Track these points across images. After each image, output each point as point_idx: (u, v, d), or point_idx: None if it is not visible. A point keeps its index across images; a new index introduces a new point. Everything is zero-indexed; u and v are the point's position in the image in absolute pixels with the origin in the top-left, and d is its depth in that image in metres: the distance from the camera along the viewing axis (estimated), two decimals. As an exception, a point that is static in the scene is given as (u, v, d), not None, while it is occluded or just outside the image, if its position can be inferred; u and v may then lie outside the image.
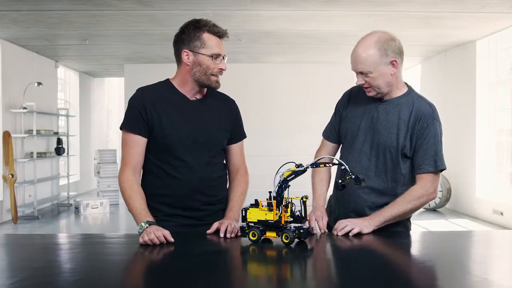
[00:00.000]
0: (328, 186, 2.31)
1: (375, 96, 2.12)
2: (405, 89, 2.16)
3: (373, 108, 2.15)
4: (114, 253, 1.87)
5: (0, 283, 1.40)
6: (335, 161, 1.95)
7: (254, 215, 1.88)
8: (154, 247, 1.82)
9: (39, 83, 7.96)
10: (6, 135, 7.41)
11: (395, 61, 2.05)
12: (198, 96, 2.17)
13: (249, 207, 1.90)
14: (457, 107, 8.33)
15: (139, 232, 1.91)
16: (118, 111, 12.97)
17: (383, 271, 1.61)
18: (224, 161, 2.28)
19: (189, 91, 2.14)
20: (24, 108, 7.71)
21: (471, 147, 7.86)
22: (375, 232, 2.05)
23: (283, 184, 1.83)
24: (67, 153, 9.51)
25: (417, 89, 10.25)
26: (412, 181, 2.14)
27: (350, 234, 2.00)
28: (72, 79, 11.13)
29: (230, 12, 6.06)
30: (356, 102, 2.22)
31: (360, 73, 2.07)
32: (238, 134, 2.28)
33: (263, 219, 1.86)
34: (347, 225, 2.02)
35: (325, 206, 2.28)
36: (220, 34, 2.09)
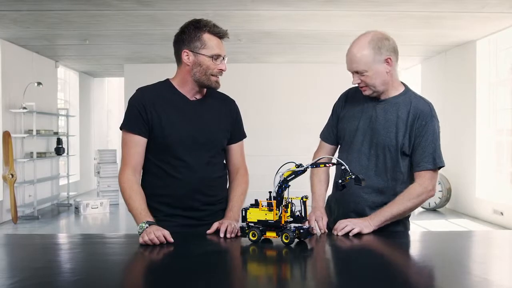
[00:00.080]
0: (327, 187, 2.31)
1: (371, 95, 2.13)
2: (402, 89, 2.17)
3: (371, 108, 2.16)
4: (114, 253, 1.87)
5: (0, 283, 1.40)
6: (335, 161, 1.95)
7: (254, 215, 1.88)
8: (154, 247, 1.82)
9: (39, 83, 7.96)
10: (6, 135, 7.41)
11: (390, 59, 2.07)
12: (198, 96, 2.17)
13: (249, 207, 1.90)
14: (457, 107, 8.33)
15: (139, 232, 1.91)
16: (118, 111, 12.97)
17: (383, 271, 1.61)
18: (224, 161, 2.28)
19: (189, 91, 2.14)
20: (24, 108, 7.71)
21: (471, 147, 7.86)
22: (375, 232, 2.05)
23: (283, 184, 1.83)
24: (67, 153, 9.51)
25: (417, 89, 10.24)
26: (411, 179, 2.15)
27: (350, 234, 2.01)
28: (72, 79, 11.13)
29: (230, 12, 6.06)
30: (354, 102, 2.23)
31: (355, 72, 2.09)
32: (238, 134, 2.28)
33: (263, 219, 1.86)
34: (347, 225, 2.02)
35: (324, 207, 2.28)
36: (220, 34, 2.09)
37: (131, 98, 2.15)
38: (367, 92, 2.12)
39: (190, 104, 2.14)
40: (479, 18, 6.36)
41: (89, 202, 8.48)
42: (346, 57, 2.11)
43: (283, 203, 1.85)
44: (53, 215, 8.44)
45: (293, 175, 1.84)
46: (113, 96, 13.56)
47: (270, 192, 1.86)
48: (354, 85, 2.18)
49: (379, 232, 2.06)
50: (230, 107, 2.26)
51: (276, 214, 1.84)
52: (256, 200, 1.90)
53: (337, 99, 2.32)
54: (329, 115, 2.34)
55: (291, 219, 1.88)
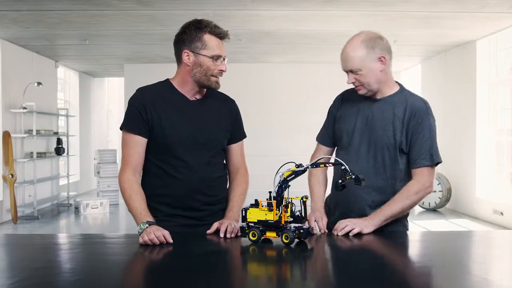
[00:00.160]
0: (326, 188, 2.32)
1: (365, 94, 2.15)
2: (396, 88, 2.19)
3: (367, 108, 2.17)
4: (114, 253, 1.87)
5: (0, 283, 1.40)
6: (334, 161, 1.95)
7: (254, 215, 1.88)
8: (154, 247, 1.82)
9: (39, 83, 7.96)
10: (6, 135, 7.41)
11: (383, 57, 2.09)
12: (198, 96, 2.17)
13: (249, 207, 1.90)
14: (457, 107, 8.33)
15: (139, 232, 1.91)
16: (118, 111, 12.97)
17: (383, 271, 1.61)
18: (224, 161, 2.28)
19: (189, 91, 2.14)
20: (24, 108, 7.71)
21: (471, 147, 7.86)
22: (375, 232, 2.05)
23: (283, 184, 1.83)
24: (67, 153, 9.51)
25: (417, 89, 10.25)
26: (409, 177, 2.16)
27: (350, 234, 2.01)
28: (72, 79, 11.13)
29: (230, 12, 6.06)
30: (349, 103, 2.24)
31: (350, 71, 2.11)
32: (238, 134, 2.28)
33: (263, 219, 1.86)
34: (347, 225, 2.02)
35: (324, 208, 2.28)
36: (221, 35, 2.09)
37: (131, 98, 2.15)
38: (362, 91, 2.14)
39: (190, 104, 2.14)
40: (479, 18, 6.36)
41: (89, 202, 8.48)
42: (341, 56, 2.14)
43: (283, 203, 1.85)
44: (53, 215, 8.44)
45: (293, 175, 1.84)
46: (113, 96, 13.56)
47: (270, 192, 1.86)
48: (350, 87, 2.20)
49: (379, 232, 2.06)
50: (230, 107, 2.26)
51: (276, 214, 1.84)
52: (256, 200, 1.90)
53: (332, 102, 2.34)
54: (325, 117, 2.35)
55: (291, 219, 1.88)
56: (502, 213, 7.07)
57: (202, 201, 2.14)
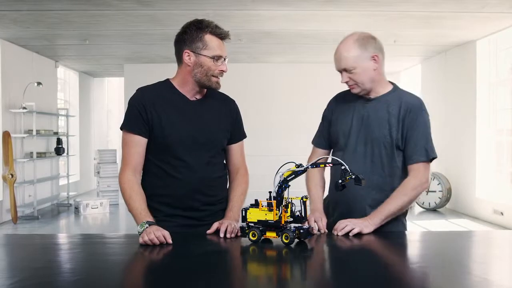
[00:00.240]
0: (323, 190, 2.33)
1: (359, 93, 2.17)
2: (390, 87, 2.22)
3: (361, 108, 2.20)
4: (114, 253, 1.87)
5: (0, 283, 1.40)
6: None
7: (254, 215, 1.88)
8: (154, 247, 1.82)
9: (38, 83, 7.96)
10: (6, 135, 7.41)
11: (376, 56, 2.12)
12: (198, 96, 2.17)
13: (249, 207, 1.90)
14: (457, 107, 8.33)
15: (139, 232, 1.91)
16: (118, 111, 12.97)
17: (383, 271, 1.61)
18: (224, 161, 2.28)
19: (189, 91, 2.14)
20: (24, 108, 7.71)
21: (471, 147, 7.86)
22: (375, 232, 2.05)
23: (283, 184, 1.83)
24: (67, 153, 9.51)
25: (417, 89, 10.22)
26: (405, 173, 2.17)
27: (350, 234, 2.01)
28: (72, 79, 11.13)
29: (230, 12, 6.06)
30: (344, 104, 2.27)
31: (344, 70, 2.14)
32: (238, 134, 2.28)
33: (263, 219, 1.86)
34: (347, 225, 2.03)
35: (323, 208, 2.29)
36: (222, 35, 2.09)
37: (131, 98, 2.15)
38: (356, 90, 2.17)
39: (190, 104, 2.14)
40: (479, 18, 6.36)
41: (89, 202, 8.48)
42: (334, 56, 2.17)
43: (283, 203, 1.85)
44: (53, 215, 8.44)
45: (293, 175, 1.84)
46: (113, 96, 13.56)
47: (270, 192, 1.86)
48: (347, 87, 2.21)
49: (379, 232, 2.06)
50: (230, 107, 2.26)
51: (276, 214, 1.84)
52: (256, 200, 1.90)
53: (326, 106, 2.36)
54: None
55: (291, 219, 1.88)
56: (502, 213, 7.07)
57: (202, 201, 2.14)
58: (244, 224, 1.91)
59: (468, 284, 1.45)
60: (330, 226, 2.13)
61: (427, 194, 8.41)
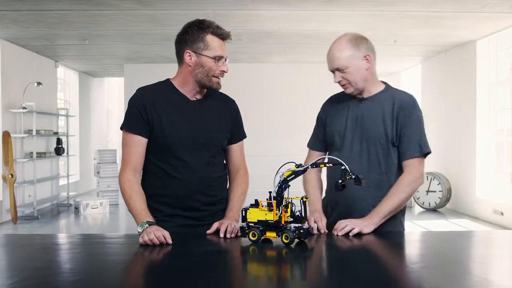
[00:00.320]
0: (321, 191, 2.34)
1: (353, 93, 2.20)
2: (382, 86, 2.25)
3: (355, 107, 2.22)
4: (114, 253, 1.87)
5: (0, 283, 1.40)
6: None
7: (254, 215, 1.88)
8: (154, 247, 1.82)
9: (38, 83, 7.95)
10: (6, 135, 7.41)
11: (368, 56, 2.16)
12: (198, 96, 2.17)
13: (249, 207, 1.90)
14: (457, 107, 8.33)
15: (139, 232, 1.91)
16: (118, 111, 12.97)
17: (382, 271, 1.61)
18: (224, 161, 2.28)
19: (190, 91, 2.14)
20: (24, 108, 7.71)
21: (471, 147, 7.86)
22: (375, 232, 2.05)
23: (283, 184, 1.83)
24: (67, 153, 9.51)
25: (417, 89, 10.22)
26: (400, 169, 2.18)
27: (350, 234, 2.01)
28: (71, 79, 11.13)
29: (230, 12, 6.06)
30: (337, 106, 2.29)
31: (336, 70, 2.17)
32: (238, 134, 2.28)
33: (263, 219, 1.86)
34: (347, 225, 2.03)
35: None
36: (223, 36, 2.09)
37: (131, 98, 2.15)
38: (349, 90, 2.19)
39: (190, 104, 2.14)
40: (479, 18, 6.36)
41: (89, 202, 8.47)
42: (327, 56, 2.20)
43: (283, 203, 1.85)
44: (53, 215, 8.44)
45: (293, 175, 1.84)
46: (113, 96, 13.56)
47: (270, 192, 1.86)
48: (341, 88, 2.23)
49: (378, 232, 2.06)
50: (230, 107, 2.26)
51: (276, 214, 1.84)
52: (256, 200, 1.90)
53: (320, 109, 2.38)
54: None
55: (291, 219, 1.88)
56: (502, 213, 7.07)
57: (202, 201, 2.14)
58: (244, 224, 1.91)
59: (468, 284, 1.45)
60: (330, 226, 2.13)
61: (427, 194, 8.41)
